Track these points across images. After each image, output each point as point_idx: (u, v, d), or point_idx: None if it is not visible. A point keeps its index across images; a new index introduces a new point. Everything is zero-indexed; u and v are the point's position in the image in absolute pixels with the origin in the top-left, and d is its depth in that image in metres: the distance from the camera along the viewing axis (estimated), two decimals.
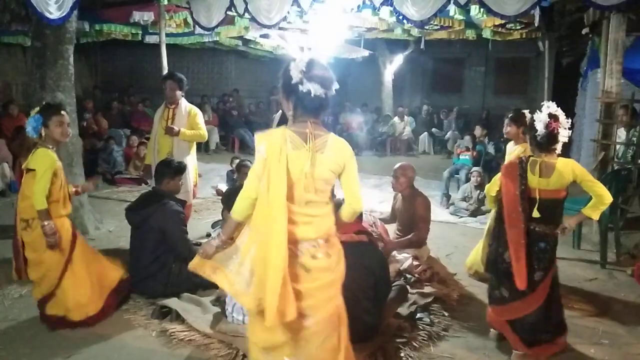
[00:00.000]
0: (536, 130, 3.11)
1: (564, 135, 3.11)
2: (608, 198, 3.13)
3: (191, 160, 4.96)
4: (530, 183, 3.10)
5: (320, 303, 2.30)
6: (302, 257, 2.27)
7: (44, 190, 3.23)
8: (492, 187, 3.39)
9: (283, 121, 5.05)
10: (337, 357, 2.36)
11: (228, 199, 4.23)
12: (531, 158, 3.17)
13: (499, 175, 3.33)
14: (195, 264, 2.50)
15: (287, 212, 2.20)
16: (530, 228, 3.12)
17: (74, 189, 3.65)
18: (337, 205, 2.46)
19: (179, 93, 4.92)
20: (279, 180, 2.20)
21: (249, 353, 2.51)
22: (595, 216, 3.22)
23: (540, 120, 3.11)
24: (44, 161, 3.25)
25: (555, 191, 3.12)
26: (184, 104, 4.96)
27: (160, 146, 4.92)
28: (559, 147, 3.14)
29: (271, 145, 2.25)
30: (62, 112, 3.40)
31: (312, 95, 2.23)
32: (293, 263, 2.24)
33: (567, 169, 3.10)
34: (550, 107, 3.16)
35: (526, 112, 4.04)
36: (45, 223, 3.25)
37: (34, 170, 3.26)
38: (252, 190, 2.32)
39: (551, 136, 3.09)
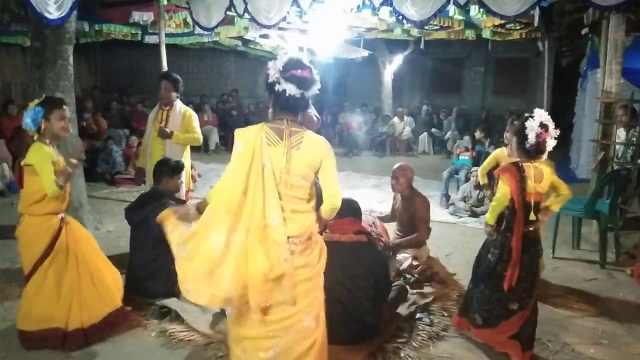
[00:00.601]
0: (527, 138, 3.16)
1: (550, 144, 3.20)
2: (570, 195, 3.45)
3: (184, 165, 4.82)
4: (528, 188, 3.16)
5: (297, 297, 2.34)
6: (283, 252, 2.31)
7: (51, 179, 3.08)
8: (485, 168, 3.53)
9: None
10: (311, 351, 2.39)
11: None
12: (524, 164, 3.21)
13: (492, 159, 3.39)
14: (163, 215, 2.52)
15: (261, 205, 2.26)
16: (524, 231, 3.16)
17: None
18: (318, 196, 2.47)
19: (174, 94, 4.75)
20: (251, 173, 2.27)
21: (230, 347, 2.54)
22: (557, 208, 3.52)
23: (532, 129, 3.15)
24: (38, 154, 3.14)
25: (543, 194, 3.28)
26: (178, 105, 4.80)
27: (153, 149, 4.74)
28: (545, 156, 3.23)
29: (247, 140, 2.32)
30: (64, 106, 3.32)
31: (287, 94, 2.28)
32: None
33: (549, 172, 3.24)
34: (542, 115, 3.19)
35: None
36: (63, 173, 3.13)
37: (30, 165, 3.16)
38: (226, 183, 2.37)
39: (540, 146, 3.17)
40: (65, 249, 3.25)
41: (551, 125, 3.18)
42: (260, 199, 2.27)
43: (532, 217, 3.17)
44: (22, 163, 3.25)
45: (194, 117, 4.84)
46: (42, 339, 3.18)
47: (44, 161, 3.12)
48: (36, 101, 3.27)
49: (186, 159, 4.78)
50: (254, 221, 2.26)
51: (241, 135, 2.35)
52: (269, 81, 2.32)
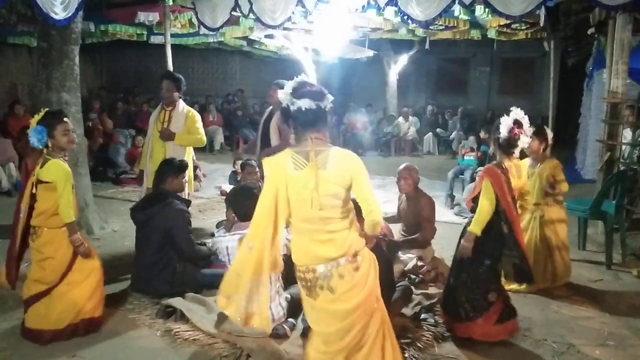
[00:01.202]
0: (499, 133, 3.35)
1: (523, 141, 3.37)
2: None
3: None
4: (518, 185, 3.40)
5: (357, 318, 2.36)
6: (330, 277, 2.33)
7: (69, 203, 3.20)
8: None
9: (270, 117, 5.10)
10: None
11: (233, 199, 4.24)
12: (505, 163, 3.38)
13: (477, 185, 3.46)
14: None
15: (275, 232, 2.37)
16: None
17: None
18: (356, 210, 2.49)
19: (176, 94, 4.68)
20: (278, 202, 2.34)
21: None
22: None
23: (505, 124, 3.33)
24: (61, 174, 3.19)
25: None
26: (181, 105, 4.72)
27: (154, 150, 4.66)
28: (517, 152, 3.41)
29: (271, 169, 2.37)
30: (65, 119, 3.31)
31: (304, 109, 2.31)
32: (314, 283, 2.35)
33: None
34: (517, 113, 3.37)
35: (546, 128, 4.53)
36: (74, 237, 3.23)
37: (48, 182, 3.19)
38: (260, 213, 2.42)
39: (511, 141, 3.34)
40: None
41: (526, 123, 3.37)
42: (281, 226, 2.38)
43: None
44: (38, 177, 3.22)
45: (197, 117, 4.78)
46: (72, 333, 3.30)
47: (67, 182, 3.20)
48: (37, 117, 3.26)
49: (189, 160, 4.71)
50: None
51: (268, 163, 2.40)
52: (283, 106, 2.37)
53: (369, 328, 2.39)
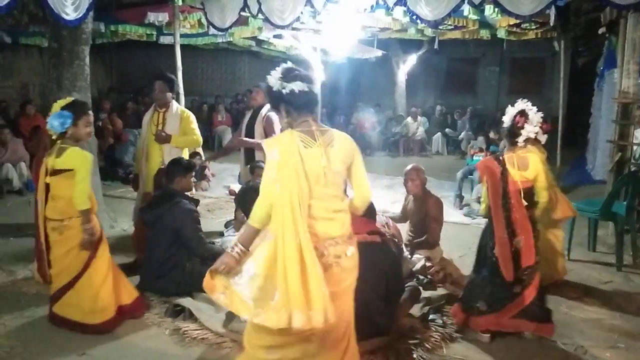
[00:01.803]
0: (503, 122, 3.43)
1: (529, 130, 3.35)
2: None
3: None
4: (513, 176, 3.32)
5: (342, 304, 2.37)
6: (328, 256, 2.32)
7: (86, 190, 3.20)
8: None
9: (252, 119, 5.12)
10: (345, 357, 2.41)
11: (241, 198, 4.25)
12: (506, 155, 3.40)
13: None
14: (207, 284, 2.39)
15: (307, 212, 2.24)
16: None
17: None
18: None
19: (169, 95, 4.56)
20: (299, 179, 2.22)
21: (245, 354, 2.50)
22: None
23: (509, 113, 3.41)
24: (83, 161, 3.19)
25: (531, 181, 3.36)
26: (175, 106, 4.61)
27: (150, 154, 4.56)
28: (520, 140, 3.37)
29: (283, 148, 2.27)
30: (90, 112, 3.36)
31: (297, 92, 2.32)
32: (320, 263, 2.25)
33: (536, 160, 3.37)
34: (524, 105, 3.41)
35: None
36: (89, 224, 3.23)
37: (69, 170, 3.18)
38: (268, 197, 2.29)
39: (514, 129, 3.37)
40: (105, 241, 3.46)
41: (533, 114, 3.37)
42: (305, 204, 2.24)
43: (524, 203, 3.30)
44: (53, 167, 3.20)
45: (192, 117, 4.67)
46: (110, 325, 3.37)
47: (87, 169, 3.20)
48: (61, 102, 3.25)
49: None
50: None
51: (275, 143, 2.31)
52: (274, 90, 2.36)
53: (350, 325, 2.43)
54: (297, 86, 2.32)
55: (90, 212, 3.25)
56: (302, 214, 2.20)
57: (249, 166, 5.03)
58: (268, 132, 4.93)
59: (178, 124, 4.56)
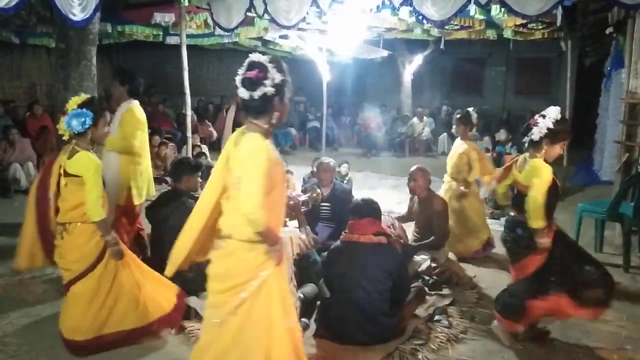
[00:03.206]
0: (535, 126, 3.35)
1: (534, 132, 3.27)
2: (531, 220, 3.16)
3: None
4: (515, 177, 3.39)
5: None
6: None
7: (98, 199, 2.96)
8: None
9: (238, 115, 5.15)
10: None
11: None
12: (521, 156, 3.45)
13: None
14: None
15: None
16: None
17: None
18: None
19: (118, 90, 4.12)
20: (215, 174, 2.43)
21: None
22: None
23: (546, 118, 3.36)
24: (91, 168, 2.95)
25: (525, 185, 3.24)
26: (125, 105, 4.10)
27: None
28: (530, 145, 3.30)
29: (227, 142, 2.45)
30: (107, 111, 3.18)
31: (241, 97, 2.33)
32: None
33: (531, 173, 3.20)
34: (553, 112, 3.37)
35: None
36: (108, 237, 3.02)
37: (77, 176, 2.97)
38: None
39: (526, 131, 3.34)
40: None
41: (549, 116, 3.31)
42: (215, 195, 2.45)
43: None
44: (65, 168, 3.01)
45: (134, 119, 4.01)
46: (97, 346, 3.09)
47: (97, 176, 2.96)
48: (77, 100, 3.04)
49: (126, 173, 3.97)
50: None
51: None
52: (236, 85, 2.37)
53: None
54: (240, 92, 2.32)
55: (106, 222, 3.03)
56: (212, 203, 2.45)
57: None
58: None
59: (117, 124, 3.99)
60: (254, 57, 2.34)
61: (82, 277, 3.07)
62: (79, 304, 3.08)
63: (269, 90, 2.28)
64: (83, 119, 2.95)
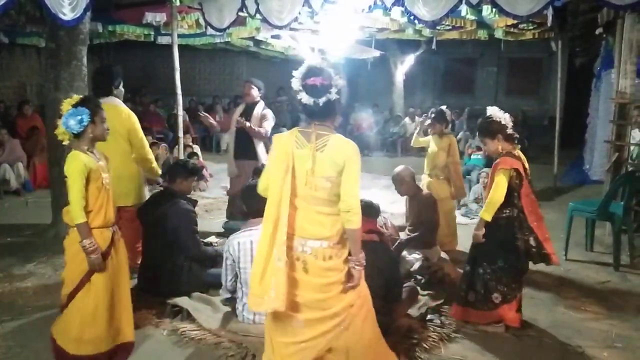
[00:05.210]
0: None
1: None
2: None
3: None
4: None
5: (332, 299, 2.42)
6: (295, 252, 2.39)
7: (79, 201, 2.80)
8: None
9: (247, 112, 5.21)
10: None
11: (247, 194, 4.20)
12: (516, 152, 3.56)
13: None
14: None
15: (288, 209, 2.35)
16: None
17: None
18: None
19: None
20: (286, 176, 2.36)
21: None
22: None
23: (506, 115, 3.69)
24: (72, 167, 2.83)
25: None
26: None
27: None
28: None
29: (280, 144, 2.43)
30: (102, 108, 3.06)
31: (304, 103, 2.38)
32: (293, 259, 2.39)
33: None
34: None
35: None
36: (85, 242, 2.80)
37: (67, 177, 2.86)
38: (264, 179, 2.51)
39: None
40: (117, 264, 3.02)
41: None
42: (287, 199, 2.36)
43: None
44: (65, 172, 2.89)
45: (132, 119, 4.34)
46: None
47: (75, 176, 2.81)
48: (71, 101, 2.92)
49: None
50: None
51: (276, 139, 2.49)
52: (294, 90, 2.41)
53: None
54: (305, 98, 2.37)
55: (86, 225, 2.83)
56: (282, 209, 2.35)
57: (253, 169, 4.99)
58: (263, 127, 5.13)
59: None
60: (313, 62, 2.43)
61: (80, 288, 2.92)
62: (79, 315, 2.92)
63: (334, 96, 2.38)
64: (80, 117, 2.85)
